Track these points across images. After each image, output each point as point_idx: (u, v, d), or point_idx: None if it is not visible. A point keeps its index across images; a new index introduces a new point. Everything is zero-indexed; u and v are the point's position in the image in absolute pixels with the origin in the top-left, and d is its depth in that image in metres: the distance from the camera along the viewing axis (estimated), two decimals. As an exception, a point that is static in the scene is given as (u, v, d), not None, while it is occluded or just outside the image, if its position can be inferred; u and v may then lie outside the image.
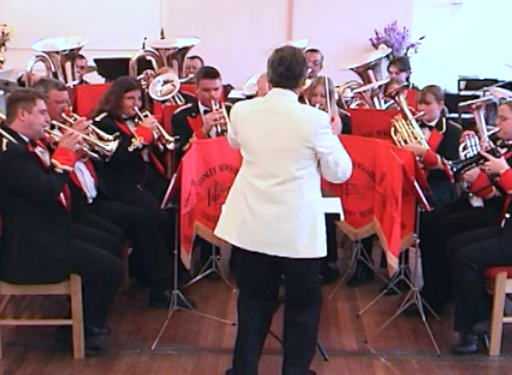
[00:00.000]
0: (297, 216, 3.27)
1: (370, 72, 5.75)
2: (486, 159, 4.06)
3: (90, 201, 4.48)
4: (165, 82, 5.52)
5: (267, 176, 3.27)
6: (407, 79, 6.06)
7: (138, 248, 4.61)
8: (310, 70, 6.34)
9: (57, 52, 5.81)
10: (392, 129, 4.90)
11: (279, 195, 3.26)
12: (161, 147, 4.91)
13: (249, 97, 5.48)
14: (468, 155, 4.38)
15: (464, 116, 6.02)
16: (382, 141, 4.70)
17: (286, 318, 3.53)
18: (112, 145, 4.41)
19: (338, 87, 5.62)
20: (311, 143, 3.21)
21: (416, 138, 4.79)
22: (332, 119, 3.58)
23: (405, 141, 4.80)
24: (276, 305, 3.66)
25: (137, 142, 4.73)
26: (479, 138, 4.52)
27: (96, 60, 6.76)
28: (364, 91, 5.54)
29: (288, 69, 3.25)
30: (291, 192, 3.26)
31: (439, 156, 4.68)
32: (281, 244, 3.29)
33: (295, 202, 3.27)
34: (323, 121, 3.26)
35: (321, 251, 3.34)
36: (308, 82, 5.32)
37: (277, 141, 3.24)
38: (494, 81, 7.10)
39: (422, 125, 4.87)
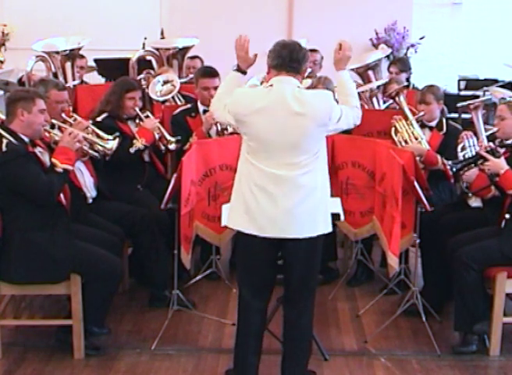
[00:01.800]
0: (315, 196, 3.34)
1: (370, 72, 5.75)
2: (486, 159, 4.06)
3: (90, 201, 4.48)
4: (165, 82, 5.52)
5: (283, 164, 3.29)
6: (408, 79, 6.05)
7: (138, 248, 4.61)
8: (310, 70, 6.34)
9: (57, 52, 5.80)
10: (393, 129, 4.90)
11: (298, 179, 3.29)
12: (163, 147, 4.91)
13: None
14: (467, 156, 4.39)
15: (463, 116, 6.02)
16: (382, 141, 4.70)
17: (285, 318, 3.53)
18: (112, 144, 4.41)
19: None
20: (327, 126, 3.34)
21: (416, 139, 4.79)
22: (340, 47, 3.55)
23: (405, 142, 4.80)
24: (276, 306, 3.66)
25: (139, 144, 4.73)
26: (477, 138, 4.53)
27: (96, 60, 6.76)
28: (363, 92, 5.54)
29: (292, 52, 3.31)
30: (308, 174, 3.31)
31: (439, 156, 4.68)
32: (301, 225, 3.32)
33: (312, 183, 3.33)
34: (332, 101, 3.35)
35: (330, 226, 3.44)
36: (308, 82, 5.32)
37: (293, 132, 3.26)
38: (494, 81, 7.11)
39: (422, 125, 4.87)
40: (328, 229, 3.42)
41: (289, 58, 3.31)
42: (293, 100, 3.26)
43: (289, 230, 3.32)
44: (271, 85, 3.35)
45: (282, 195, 3.29)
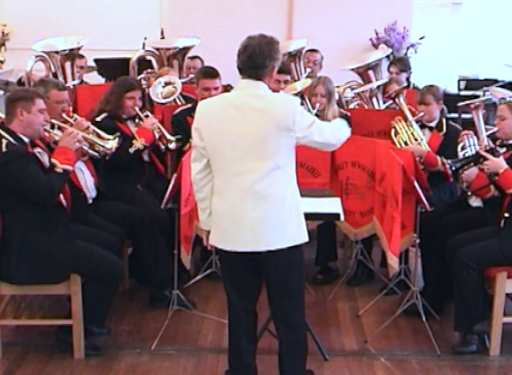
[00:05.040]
0: (284, 206, 3.23)
1: (370, 72, 5.75)
2: (485, 158, 4.06)
3: (90, 201, 4.48)
4: (166, 84, 5.51)
5: (246, 172, 3.18)
6: (408, 79, 6.05)
7: (138, 248, 4.61)
8: (310, 70, 6.35)
9: (56, 52, 5.81)
10: (393, 130, 4.90)
11: (263, 190, 3.19)
12: (163, 147, 4.91)
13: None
14: (467, 155, 4.39)
15: (463, 116, 6.02)
16: (382, 141, 4.70)
17: (274, 317, 3.49)
18: (112, 143, 4.41)
19: (338, 87, 5.62)
20: (292, 131, 3.17)
21: (416, 140, 4.79)
22: None
23: (405, 143, 4.80)
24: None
25: (138, 144, 4.73)
26: (478, 138, 4.53)
27: (96, 60, 6.75)
28: (363, 92, 5.54)
29: (250, 59, 3.19)
30: (275, 184, 3.21)
31: (439, 158, 4.67)
32: (274, 237, 3.23)
33: (279, 193, 3.22)
34: (296, 105, 3.21)
35: (307, 235, 3.32)
36: (308, 82, 5.32)
37: (255, 135, 3.15)
38: (494, 81, 7.10)
39: (422, 126, 4.87)
40: (303, 239, 3.30)
41: (247, 66, 3.20)
42: (256, 103, 3.17)
43: (258, 243, 3.24)
44: (236, 89, 3.29)
45: (247, 208, 3.20)
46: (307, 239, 3.31)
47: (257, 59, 3.18)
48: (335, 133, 3.37)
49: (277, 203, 3.22)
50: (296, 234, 3.28)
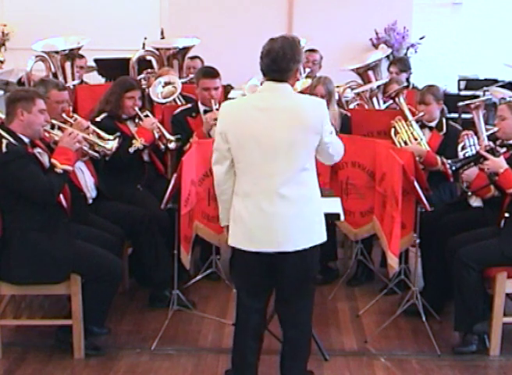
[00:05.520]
0: (311, 207, 3.29)
1: (370, 72, 5.75)
2: (485, 158, 4.06)
3: (90, 201, 4.48)
4: (166, 84, 5.51)
5: (274, 174, 3.19)
6: (408, 79, 6.05)
7: (138, 248, 4.61)
8: (309, 70, 6.35)
9: (56, 52, 5.81)
10: (393, 130, 4.90)
11: (291, 192, 3.21)
12: (162, 146, 4.91)
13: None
14: (467, 155, 4.39)
15: (463, 116, 6.02)
16: (382, 141, 4.70)
17: (280, 318, 3.52)
18: (112, 144, 4.41)
19: (338, 87, 5.62)
20: (319, 134, 3.22)
21: (416, 139, 4.79)
22: None
23: (405, 143, 4.80)
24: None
25: (138, 143, 4.73)
26: (478, 138, 4.53)
27: (96, 60, 6.76)
28: (363, 92, 5.54)
29: (274, 62, 3.18)
30: (303, 185, 3.25)
31: (438, 157, 4.68)
32: (301, 237, 3.27)
33: (307, 195, 3.27)
34: (325, 108, 3.26)
35: (324, 235, 3.40)
36: (308, 82, 5.32)
37: (283, 137, 3.16)
38: (494, 81, 7.10)
39: (422, 126, 4.87)
40: (323, 239, 3.37)
41: (271, 69, 3.20)
42: (286, 105, 3.18)
43: (284, 244, 3.26)
44: (259, 91, 3.30)
45: (278, 209, 3.22)
46: (325, 238, 3.39)
47: (282, 63, 3.18)
48: (340, 149, 3.43)
49: (305, 205, 3.26)
50: (320, 233, 3.35)
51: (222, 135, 3.24)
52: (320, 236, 3.35)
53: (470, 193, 4.37)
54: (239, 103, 3.38)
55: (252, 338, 3.48)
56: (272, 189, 3.21)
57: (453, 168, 4.19)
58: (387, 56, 6.79)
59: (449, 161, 4.25)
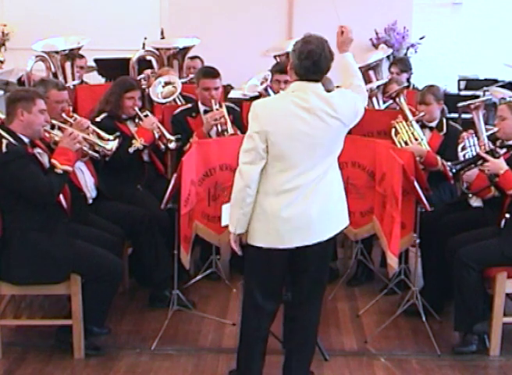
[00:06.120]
0: (339, 194, 3.37)
1: (371, 72, 5.74)
2: (485, 160, 4.06)
3: (90, 201, 4.48)
4: (166, 84, 5.51)
5: (312, 170, 3.23)
6: (408, 79, 6.05)
7: (138, 248, 4.61)
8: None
9: (56, 52, 5.81)
10: (393, 130, 4.90)
11: (325, 185, 3.27)
12: (162, 146, 4.91)
13: (252, 97, 5.44)
14: (467, 156, 4.39)
15: (463, 116, 6.01)
16: (382, 141, 4.70)
17: (292, 316, 3.53)
18: (112, 144, 4.41)
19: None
20: (354, 122, 3.37)
21: (416, 139, 4.79)
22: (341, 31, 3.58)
23: (406, 143, 4.80)
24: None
25: (138, 143, 4.73)
26: (478, 138, 4.53)
27: (96, 60, 6.75)
28: (363, 92, 5.53)
29: (315, 64, 3.20)
30: (334, 177, 3.33)
31: (439, 158, 4.67)
32: (332, 227, 3.34)
33: (335, 182, 3.35)
34: (356, 99, 3.36)
35: (347, 218, 3.47)
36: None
37: (326, 135, 3.22)
38: (494, 81, 7.10)
39: (423, 126, 4.87)
40: (346, 222, 3.44)
41: (311, 71, 3.21)
42: (319, 100, 3.21)
43: (310, 237, 3.28)
44: (292, 91, 3.27)
45: (313, 203, 3.25)
46: (348, 221, 3.46)
47: (323, 65, 3.23)
48: (362, 97, 3.50)
49: (335, 194, 3.33)
50: (343, 219, 3.42)
51: (261, 135, 3.20)
52: (344, 221, 3.42)
53: (470, 194, 4.38)
54: (276, 100, 3.40)
55: (261, 342, 3.48)
56: (307, 185, 3.24)
57: (454, 170, 4.18)
58: (388, 56, 6.79)
59: (450, 163, 4.24)
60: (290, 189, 3.23)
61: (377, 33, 8.10)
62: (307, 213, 3.25)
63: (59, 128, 4.28)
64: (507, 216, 4.05)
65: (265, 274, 3.40)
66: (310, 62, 3.19)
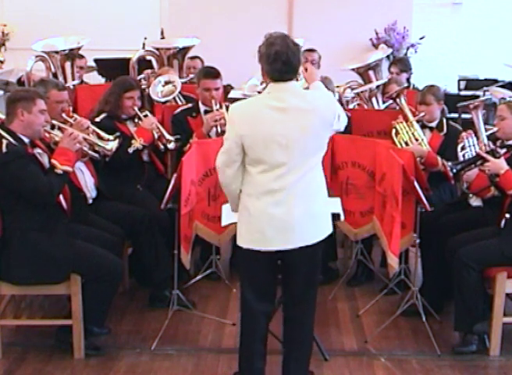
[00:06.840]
0: (323, 200, 3.35)
1: (371, 72, 5.74)
2: (486, 160, 4.06)
3: (90, 201, 4.49)
4: (166, 83, 5.51)
5: (292, 172, 3.21)
6: (408, 79, 6.05)
7: (138, 248, 4.61)
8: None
9: (56, 52, 5.81)
10: (393, 131, 4.90)
11: (307, 187, 3.24)
12: (162, 147, 4.91)
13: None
14: (467, 156, 4.38)
15: (463, 116, 6.02)
16: (382, 141, 4.70)
17: (286, 317, 3.53)
18: (112, 145, 4.41)
19: (338, 87, 5.62)
20: (332, 125, 3.31)
21: (417, 140, 4.79)
22: (306, 70, 3.55)
23: (406, 143, 4.80)
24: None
25: (137, 143, 4.73)
26: (478, 138, 4.53)
27: (96, 60, 6.76)
28: (363, 92, 5.53)
29: (285, 64, 3.16)
30: (316, 179, 3.31)
31: (439, 158, 4.67)
32: (317, 230, 3.31)
33: (320, 188, 3.32)
34: (334, 99, 3.35)
35: (331, 226, 3.44)
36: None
37: (305, 134, 3.18)
38: (494, 81, 7.10)
39: (423, 126, 4.87)
40: (330, 230, 3.40)
41: (284, 71, 3.18)
42: (295, 99, 3.20)
43: (294, 240, 3.27)
44: (268, 92, 3.26)
45: (296, 205, 3.23)
46: (331, 229, 3.43)
47: (294, 61, 3.19)
48: (344, 118, 3.45)
49: (319, 198, 3.31)
50: (327, 225, 3.39)
51: (237, 139, 3.22)
52: (328, 227, 3.39)
53: (471, 194, 4.38)
54: (251, 105, 3.32)
55: (260, 342, 3.48)
56: (290, 186, 3.22)
57: (454, 170, 4.18)
58: (387, 56, 6.79)
59: (450, 163, 4.24)
60: (272, 190, 3.23)
61: (377, 33, 8.10)
62: (290, 215, 3.23)
63: (59, 128, 4.28)
64: (507, 215, 4.05)
65: (255, 276, 3.41)
66: (279, 63, 3.16)
